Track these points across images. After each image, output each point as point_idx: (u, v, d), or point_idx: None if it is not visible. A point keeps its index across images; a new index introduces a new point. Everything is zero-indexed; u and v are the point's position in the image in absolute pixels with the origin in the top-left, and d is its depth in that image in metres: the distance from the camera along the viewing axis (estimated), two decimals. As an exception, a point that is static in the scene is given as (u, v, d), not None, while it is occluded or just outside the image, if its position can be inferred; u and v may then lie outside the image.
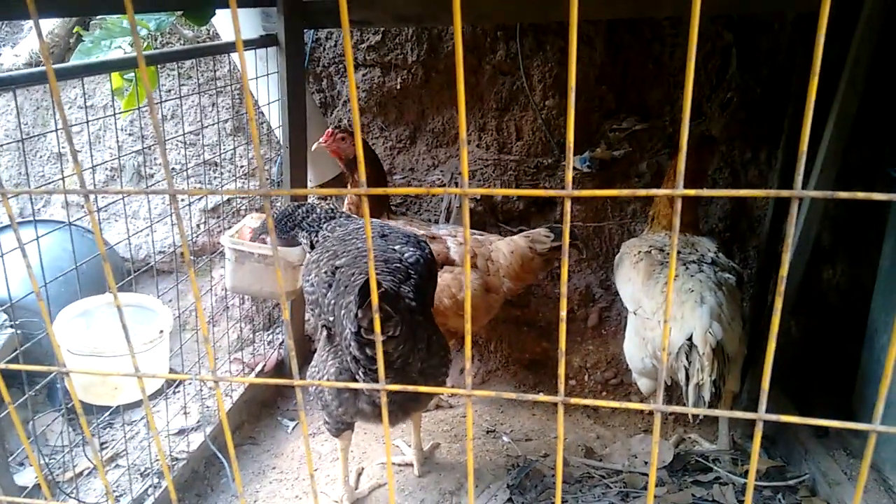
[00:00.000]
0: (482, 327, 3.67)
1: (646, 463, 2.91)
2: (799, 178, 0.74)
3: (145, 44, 2.97)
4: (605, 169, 3.80)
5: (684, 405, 2.67)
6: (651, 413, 2.76)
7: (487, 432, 3.29)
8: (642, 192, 0.76)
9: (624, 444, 3.10)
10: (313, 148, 3.29)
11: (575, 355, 3.84)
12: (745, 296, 3.69)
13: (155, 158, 4.20)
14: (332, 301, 2.19)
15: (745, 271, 3.78)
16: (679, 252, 2.99)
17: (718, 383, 2.51)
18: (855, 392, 3.12)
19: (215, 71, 3.83)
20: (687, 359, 2.58)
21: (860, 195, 0.74)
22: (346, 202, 3.51)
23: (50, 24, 4.03)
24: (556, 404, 0.84)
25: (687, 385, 2.56)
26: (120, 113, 3.50)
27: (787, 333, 3.46)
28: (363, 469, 2.97)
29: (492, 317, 3.41)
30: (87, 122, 2.35)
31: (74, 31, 3.91)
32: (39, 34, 0.80)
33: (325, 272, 2.25)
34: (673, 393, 3.36)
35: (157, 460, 2.85)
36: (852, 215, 3.55)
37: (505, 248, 3.27)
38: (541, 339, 3.86)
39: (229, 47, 3.04)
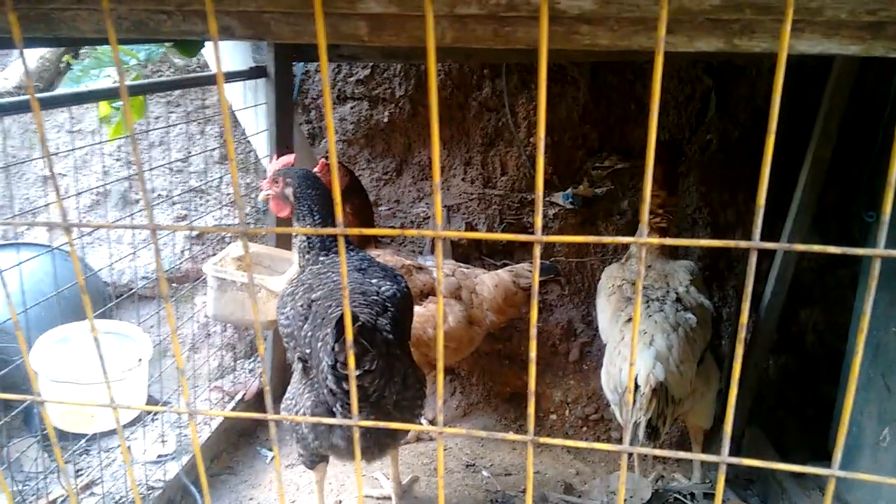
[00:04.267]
0: (464, 359, 3.67)
1: (625, 500, 2.90)
2: (757, 231, 0.78)
3: (134, 73, 3.00)
4: (587, 206, 3.86)
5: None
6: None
7: (467, 466, 3.28)
8: (607, 240, 0.79)
9: (603, 481, 3.09)
10: None
11: (556, 390, 3.85)
12: (725, 333, 3.73)
13: (141, 184, 4.21)
14: (309, 333, 2.19)
15: (725, 309, 3.82)
16: (646, 288, 3.00)
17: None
18: (830, 432, 3.15)
19: (204, 100, 3.87)
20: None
21: (816, 248, 0.77)
22: None
23: (41, 49, 4.05)
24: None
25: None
26: (106, 141, 3.53)
27: (765, 374, 3.49)
28: (340, 502, 2.94)
29: (474, 349, 3.42)
30: (73, 149, 2.36)
31: (64, 59, 3.93)
32: (25, 66, 0.83)
33: (301, 305, 2.26)
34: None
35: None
36: (829, 257, 3.61)
37: (489, 281, 3.30)
38: (522, 372, 3.86)
39: (216, 78, 3.08)
